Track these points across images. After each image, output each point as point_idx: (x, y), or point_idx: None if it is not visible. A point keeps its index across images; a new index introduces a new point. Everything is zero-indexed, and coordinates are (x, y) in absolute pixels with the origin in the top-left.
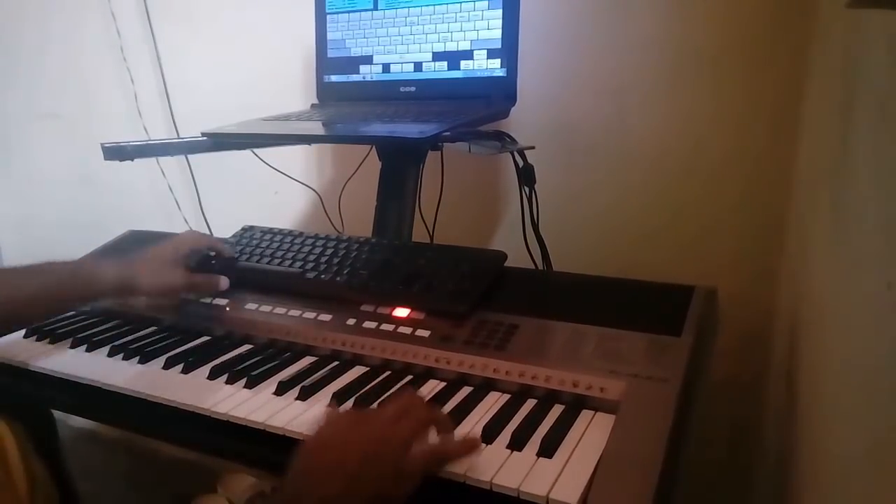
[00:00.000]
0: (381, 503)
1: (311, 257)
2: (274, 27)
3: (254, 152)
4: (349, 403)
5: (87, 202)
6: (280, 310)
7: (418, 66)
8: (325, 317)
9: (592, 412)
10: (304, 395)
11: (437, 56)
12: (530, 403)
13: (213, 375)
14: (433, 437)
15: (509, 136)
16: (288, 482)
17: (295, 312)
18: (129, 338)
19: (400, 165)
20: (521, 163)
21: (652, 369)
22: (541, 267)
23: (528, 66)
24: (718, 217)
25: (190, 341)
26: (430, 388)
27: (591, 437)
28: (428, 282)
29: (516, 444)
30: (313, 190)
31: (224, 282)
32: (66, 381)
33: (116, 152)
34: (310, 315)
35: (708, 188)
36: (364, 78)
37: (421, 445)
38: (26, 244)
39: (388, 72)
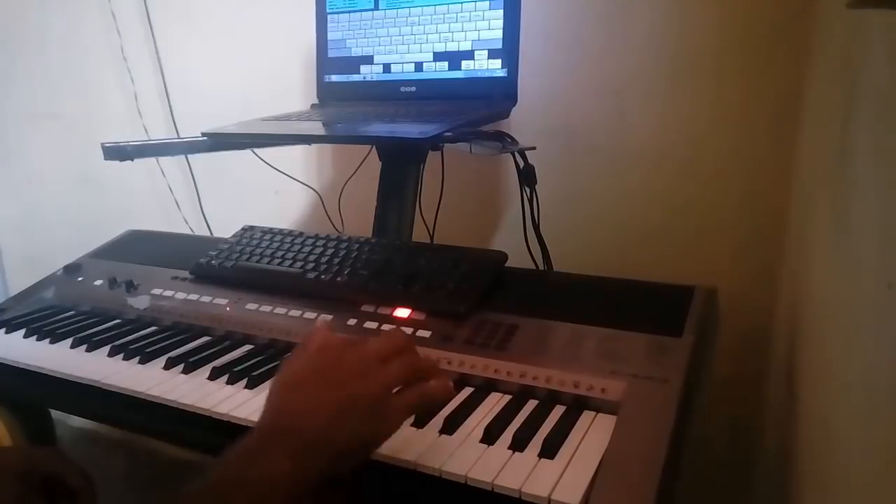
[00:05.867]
0: (359, 447)
1: (312, 257)
2: (274, 27)
3: (254, 152)
4: None
5: (87, 202)
6: (280, 310)
7: (419, 66)
8: (326, 317)
9: (594, 413)
10: None
11: (437, 56)
12: (531, 404)
13: (213, 376)
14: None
15: (510, 137)
16: (257, 426)
17: (295, 312)
18: (130, 338)
19: (400, 165)
20: (521, 163)
21: (652, 370)
22: (541, 267)
23: (528, 66)
24: (718, 217)
25: (190, 341)
26: None
27: (592, 437)
28: (428, 282)
29: (518, 445)
30: (313, 190)
31: None
32: (66, 381)
33: (116, 152)
34: (310, 315)
35: (708, 188)
36: (364, 78)
37: (404, 389)
38: (26, 244)
39: (389, 72)
